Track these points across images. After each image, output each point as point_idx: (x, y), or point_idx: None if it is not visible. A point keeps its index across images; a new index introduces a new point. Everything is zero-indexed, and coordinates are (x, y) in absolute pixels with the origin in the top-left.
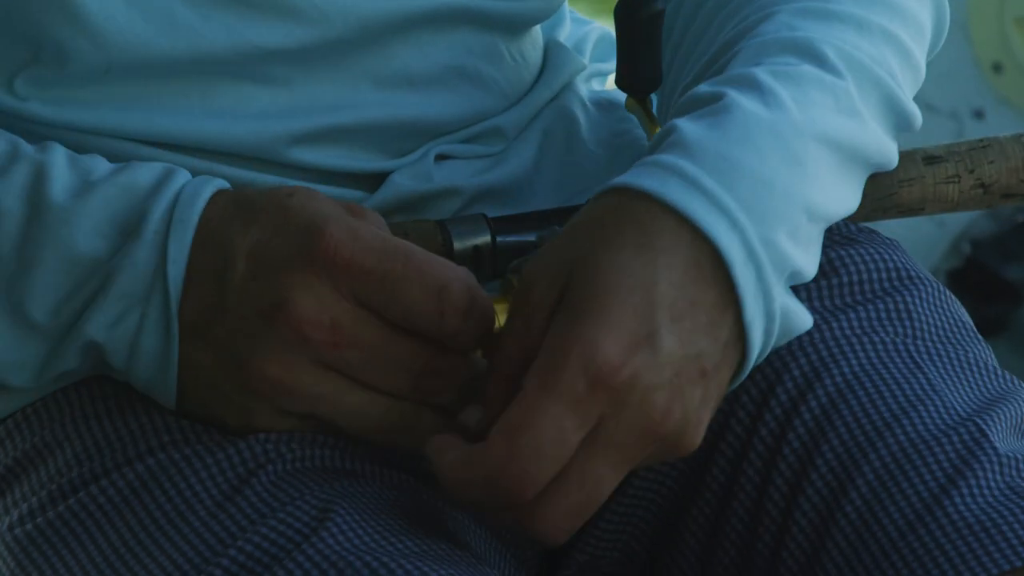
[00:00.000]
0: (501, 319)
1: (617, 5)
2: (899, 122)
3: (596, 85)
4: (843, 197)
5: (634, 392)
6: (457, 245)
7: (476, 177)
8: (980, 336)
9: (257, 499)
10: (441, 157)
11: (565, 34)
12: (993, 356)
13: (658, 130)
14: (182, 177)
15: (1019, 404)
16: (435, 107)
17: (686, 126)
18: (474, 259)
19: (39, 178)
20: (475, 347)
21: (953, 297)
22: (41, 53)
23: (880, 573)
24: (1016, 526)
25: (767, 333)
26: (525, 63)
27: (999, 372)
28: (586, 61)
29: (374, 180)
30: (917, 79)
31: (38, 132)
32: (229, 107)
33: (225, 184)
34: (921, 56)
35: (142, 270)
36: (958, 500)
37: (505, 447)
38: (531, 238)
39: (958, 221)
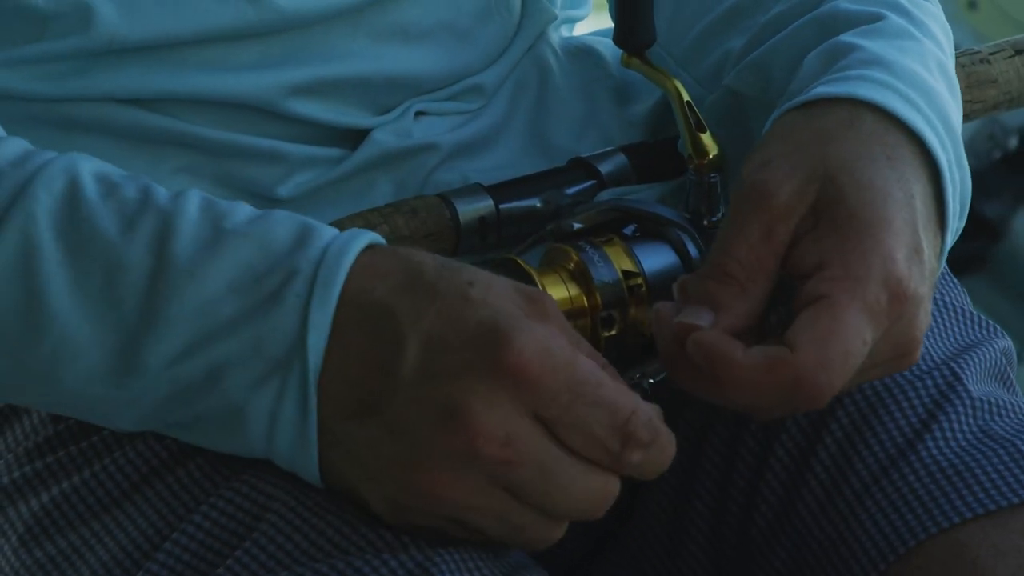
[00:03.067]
0: (553, 292)
1: None
2: None
3: (565, 31)
4: None
5: (912, 304)
6: (463, 217)
7: (453, 132)
8: (956, 279)
9: (217, 462)
10: (420, 114)
11: None
12: (968, 299)
13: (675, 85)
14: (326, 234)
15: (993, 348)
16: (423, 63)
17: (871, 45)
18: (480, 229)
19: (166, 230)
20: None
21: None
22: (47, 31)
23: (854, 518)
24: (989, 469)
25: None
26: (509, 18)
27: (974, 316)
28: (556, 8)
29: (356, 137)
30: None
31: (33, 112)
32: (225, 59)
33: (377, 239)
34: None
35: (283, 334)
36: (931, 444)
37: (815, 356)
38: (534, 203)
39: None
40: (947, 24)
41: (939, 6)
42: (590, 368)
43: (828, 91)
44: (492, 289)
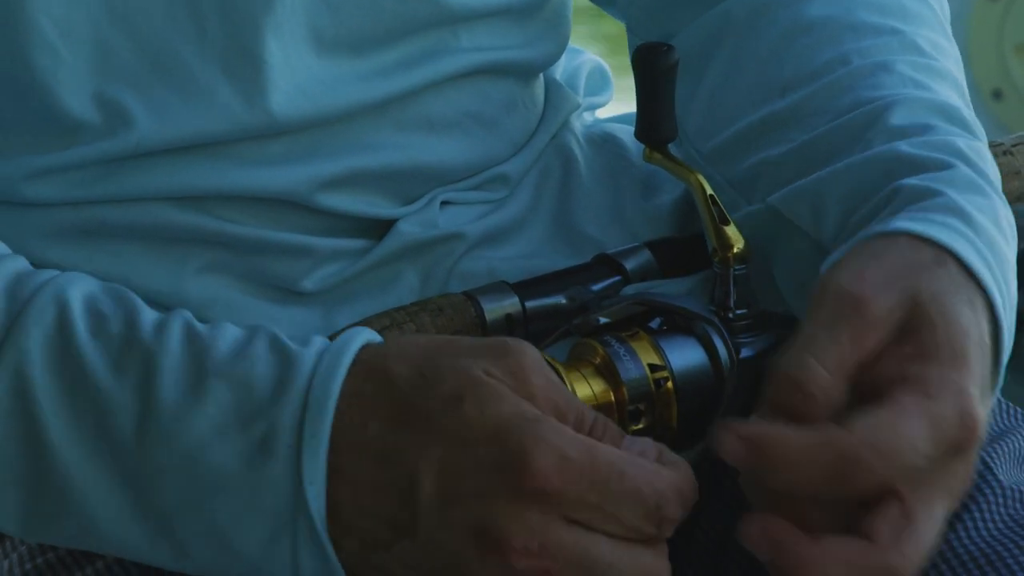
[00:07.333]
0: (579, 387)
1: (634, 60)
2: None
3: (588, 117)
4: None
5: (976, 445)
6: (489, 316)
7: (479, 221)
8: None
9: None
10: (445, 204)
11: (560, 68)
12: (997, 387)
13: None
14: (305, 367)
15: (1022, 437)
16: (449, 152)
17: (951, 193)
18: (506, 327)
19: (150, 371)
20: None
21: None
22: (77, 138)
23: None
24: (1021, 559)
25: None
26: (534, 108)
27: (1003, 404)
28: (580, 95)
29: (381, 228)
30: None
31: (58, 219)
32: (254, 154)
33: (371, 337)
34: None
35: (280, 488)
36: (963, 534)
37: (869, 437)
38: (560, 300)
39: None
40: (995, 163)
41: (980, 133)
42: (609, 459)
43: (915, 228)
44: (482, 396)
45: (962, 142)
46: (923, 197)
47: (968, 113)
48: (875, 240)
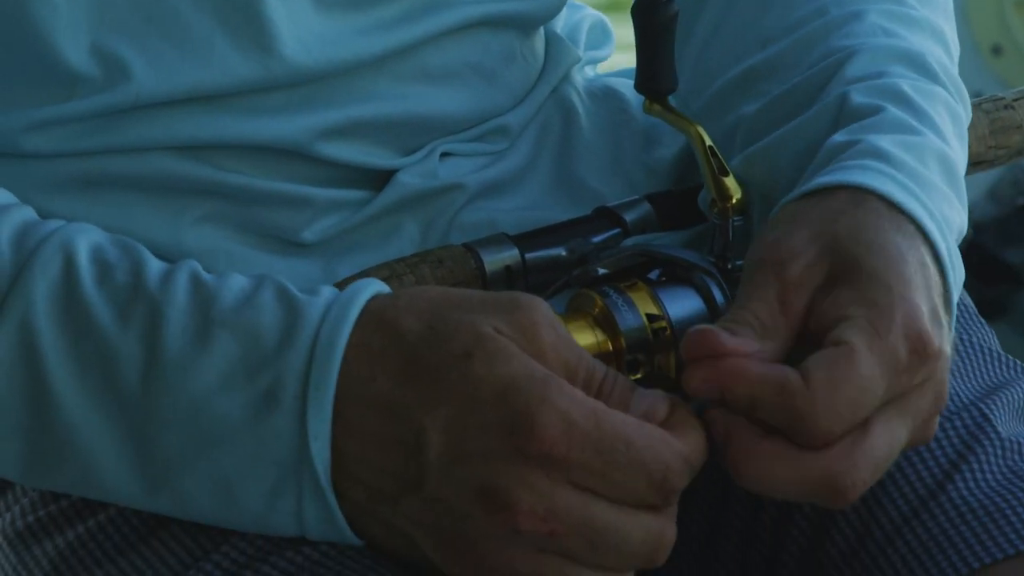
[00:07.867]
0: (579, 337)
1: (634, 11)
2: None
3: (589, 71)
4: None
5: (938, 362)
6: (489, 267)
7: (479, 172)
8: (983, 319)
9: None
10: (445, 155)
11: (561, 22)
12: (996, 339)
13: (695, 134)
14: (312, 316)
15: (1020, 389)
16: (449, 103)
17: (869, 138)
18: (506, 278)
19: (156, 320)
20: None
21: None
22: (76, 91)
23: (885, 560)
24: (1020, 510)
25: None
26: (534, 60)
27: (1002, 356)
28: (580, 49)
29: (381, 179)
30: None
31: (58, 170)
32: (253, 105)
33: (380, 288)
34: None
35: (285, 439)
36: (961, 485)
37: (823, 400)
38: (559, 251)
39: None
40: (955, 103)
41: (951, 80)
42: (615, 427)
43: (826, 180)
44: (491, 354)
45: (906, 83)
46: (842, 150)
47: (939, 61)
48: (791, 204)
